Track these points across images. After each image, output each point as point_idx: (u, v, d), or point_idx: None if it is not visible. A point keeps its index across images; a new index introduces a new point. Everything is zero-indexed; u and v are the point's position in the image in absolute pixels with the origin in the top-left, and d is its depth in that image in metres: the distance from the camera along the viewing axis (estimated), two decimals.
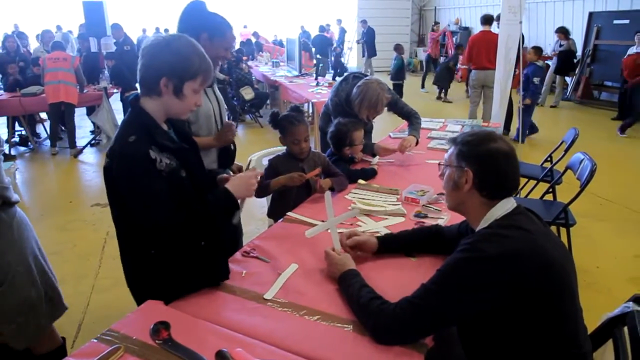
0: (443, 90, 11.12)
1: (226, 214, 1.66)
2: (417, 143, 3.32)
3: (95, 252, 3.86)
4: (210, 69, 1.61)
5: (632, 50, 8.19)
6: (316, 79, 7.94)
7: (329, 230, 1.89)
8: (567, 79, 10.43)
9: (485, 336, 1.40)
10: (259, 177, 1.72)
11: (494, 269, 1.29)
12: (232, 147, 2.45)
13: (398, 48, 10.18)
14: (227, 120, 2.49)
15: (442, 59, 13.01)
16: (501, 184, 1.44)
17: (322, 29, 13.70)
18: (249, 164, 1.81)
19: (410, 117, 3.48)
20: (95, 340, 1.35)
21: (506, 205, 1.44)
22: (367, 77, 3.19)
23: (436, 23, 13.57)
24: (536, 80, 6.59)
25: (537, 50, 6.91)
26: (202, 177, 1.72)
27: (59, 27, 13.92)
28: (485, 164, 1.44)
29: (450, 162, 1.52)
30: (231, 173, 2.24)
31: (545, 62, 10.75)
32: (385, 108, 3.41)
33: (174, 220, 1.51)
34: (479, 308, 1.33)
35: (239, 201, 1.65)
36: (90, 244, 4.04)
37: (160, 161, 1.51)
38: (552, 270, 1.32)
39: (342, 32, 15.73)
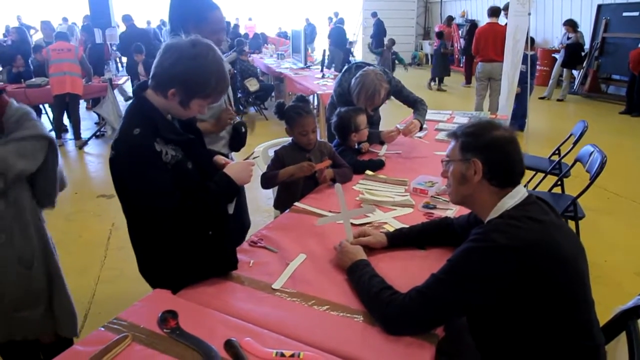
0: (436, 80, 11.63)
1: (227, 200, 1.65)
2: (421, 127, 3.33)
3: (100, 243, 3.85)
4: (224, 91, 1.59)
5: None
6: (322, 70, 7.89)
7: (341, 222, 1.88)
8: (575, 72, 10.32)
9: (496, 326, 1.38)
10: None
11: (505, 259, 1.27)
12: (243, 129, 2.45)
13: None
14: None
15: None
16: (510, 170, 1.42)
17: (341, 21, 13.73)
18: (250, 155, 1.81)
19: (416, 104, 3.46)
20: (102, 329, 1.34)
21: (517, 195, 1.41)
22: (366, 68, 3.16)
23: (451, 18, 13.55)
24: (522, 68, 6.53)
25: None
26: (208, 166, 1.70)
27: (64, 19, 13.91)
28: (492, 152, 1.41)
29: (454, 156, 1.49)
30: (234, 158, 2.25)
31: (553, 54, 10.73)
32: (392, 97, 3.41)
33: (178, 211, 1.50)
34: (489, 298, 1.30)
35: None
36: (95, 234, 4.03)
37: (165, 153, 1.50)
38: (564, 262, 1.29)
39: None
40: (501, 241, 1.27)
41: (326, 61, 8.43)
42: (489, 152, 1.41)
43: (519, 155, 1.43)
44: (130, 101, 1.63)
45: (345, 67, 3.51)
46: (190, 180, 1.58)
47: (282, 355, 1.23)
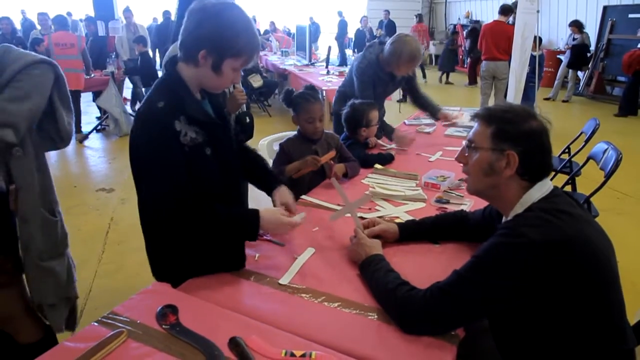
0: (445, 74, 12.58)
1: (239, 236, 1.55)
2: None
3: (98, 238, 3.76)
4: (256, 50, 1.48)
5: None
6: (326, 67, 7.82)
7: (349, 215, 1.78)
8: (580, 73, 10.22)
9: (522, 328, 1.27)
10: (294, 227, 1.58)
11: (536, 255, 1.15)
12: (248, 119, 2.35)
13: None
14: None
15: None
16: (545, 164, 1.30)
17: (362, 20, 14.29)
18: (299, 215, 1.67)
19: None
20: (95, 324, 1.24)
21: (543, 187, 1.30)
22: (398, 34, 3.10)
23: (421, 16, 13.94)
24: (528, 69, 6.45)
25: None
26: (230, 155, 1.60)
27: (69, 14, 13.83)
28: (530, 143, 1.27)
29: (483, 143, 1.33)
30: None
31: (558, 56, 10.64)
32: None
33: (178, 197, 1.40)
34: (518, 298, 1.19)
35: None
36: (94, 229, 3.94)
37: (185, 134, 1.41)
38: (597, 259, 1.19)
39: (343, 24, 15.52)
40: (533, 236, 1.16)
41: (330, 58, 8.35)
42: (527, 144, 1.27)
43: (551, 147, 1.31)
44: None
45: (367, 45, 3.38)
46: (206, 167, 1.48)
47: (292, 355, 1.13)
